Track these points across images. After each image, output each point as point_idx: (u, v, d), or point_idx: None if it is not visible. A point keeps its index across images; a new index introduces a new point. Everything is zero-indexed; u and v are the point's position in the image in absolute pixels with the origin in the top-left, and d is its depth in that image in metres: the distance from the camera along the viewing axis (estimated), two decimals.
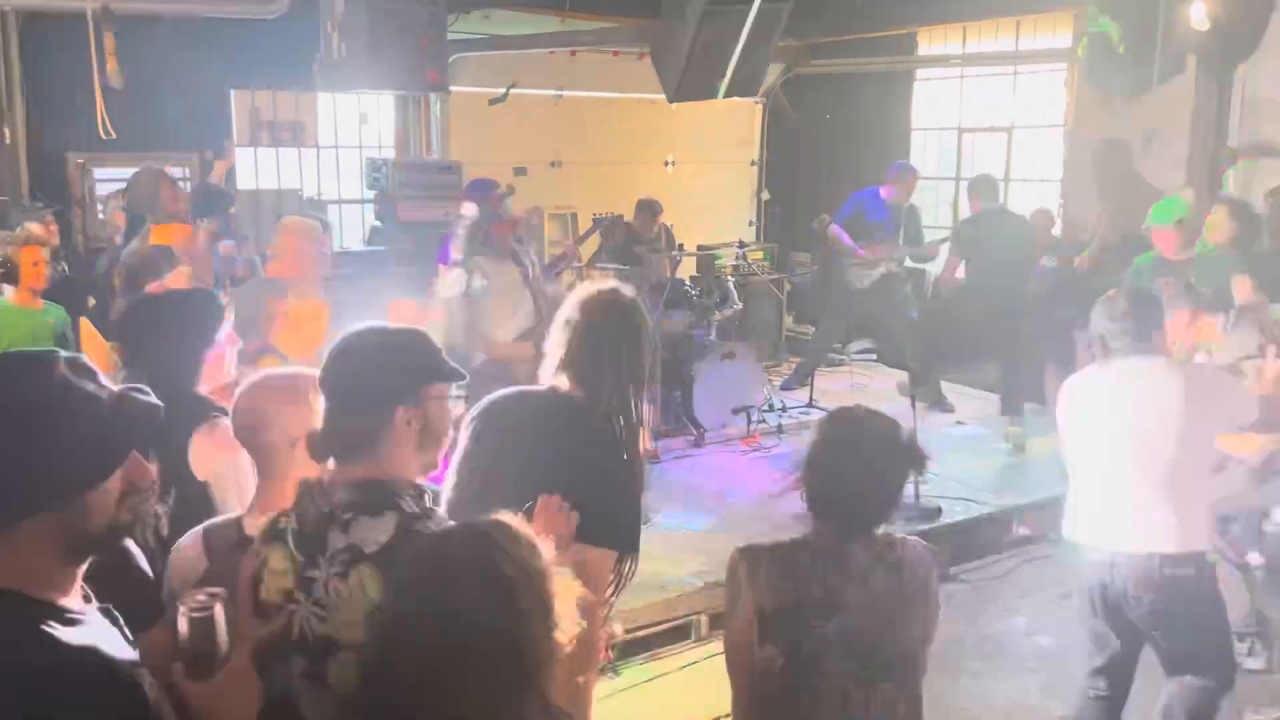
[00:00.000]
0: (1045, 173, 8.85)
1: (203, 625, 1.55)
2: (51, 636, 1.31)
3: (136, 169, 4.87)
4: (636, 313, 2.41)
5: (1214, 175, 7.30)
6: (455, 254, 5.20)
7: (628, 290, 2.44)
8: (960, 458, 6.51)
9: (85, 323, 4.51)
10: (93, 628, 1.39)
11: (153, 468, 1.48)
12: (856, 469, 2.17)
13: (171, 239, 4.49)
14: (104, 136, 5.14)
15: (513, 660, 1.43)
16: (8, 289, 4.73)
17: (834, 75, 10.19)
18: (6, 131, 5.85)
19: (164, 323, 2.64)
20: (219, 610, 1.56)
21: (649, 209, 7.91)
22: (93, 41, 5.01)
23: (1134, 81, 6.89)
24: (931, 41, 9.62)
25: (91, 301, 5.44)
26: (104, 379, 1.43)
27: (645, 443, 2.39)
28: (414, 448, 1.79)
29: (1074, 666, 3.57)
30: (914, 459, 2.25)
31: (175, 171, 6.21)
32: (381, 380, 1.78)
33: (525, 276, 5.29)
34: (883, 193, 7.66)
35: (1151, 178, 7.59)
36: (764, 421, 7.02)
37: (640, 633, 4.49)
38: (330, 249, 5.40)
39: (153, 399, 1.45)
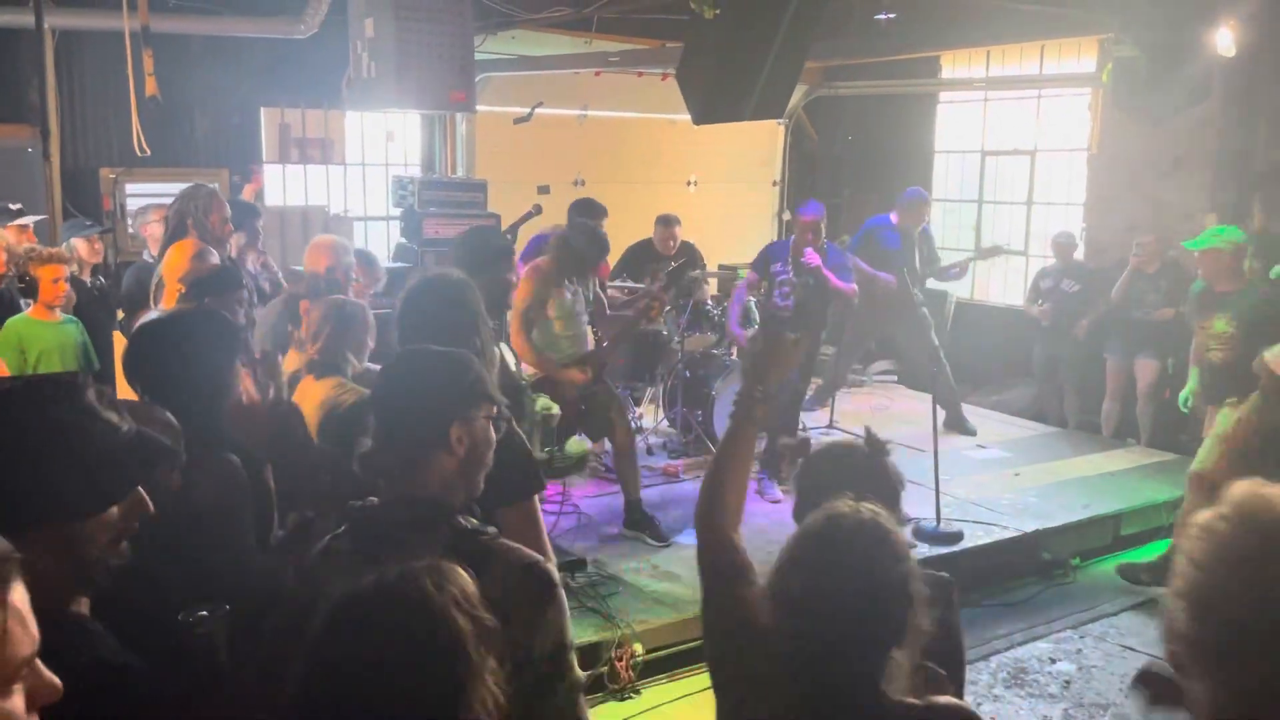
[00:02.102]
0: (1068, 197, 8.84)
1: None
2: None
3: (174, 185, 4.93)
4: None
5: (1240, 201, 7.28)
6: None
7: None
8: (981, 481, 6.49)
9: (118, 335, 4.58)
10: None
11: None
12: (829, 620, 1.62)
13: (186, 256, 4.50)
14: (139, 154, 5.22)
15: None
16: (27, 304, 4.82)
17: (857, 97, 10.22)
18: (54, 149, 5.95)
19: (181, 347, 2.48)
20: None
21: (665, 223, 7.94)
22: (130, 60, 5.09)
23: (1159, 106, 6.89)
24: (955, 65, 9.65)
25: (120, 315, 5.52)
26: (127, 414, 1.50)
27: None
28: (461, 467, 1.84)
29: (1095, 695, 3.54)
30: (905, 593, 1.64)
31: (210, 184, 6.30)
32: (437, 398, 1.85)
33: (588, 297, 5.45)
34: (893, 218, 7.68)
35: (1176, 203, 7.58)
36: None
37: (660, 653, 4.50)
38: (381, 277, 5.50)
39: (171, 442, 1.51)
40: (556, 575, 1.83)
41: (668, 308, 6.62)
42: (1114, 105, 7.72)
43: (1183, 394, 5.95)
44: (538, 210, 6.49)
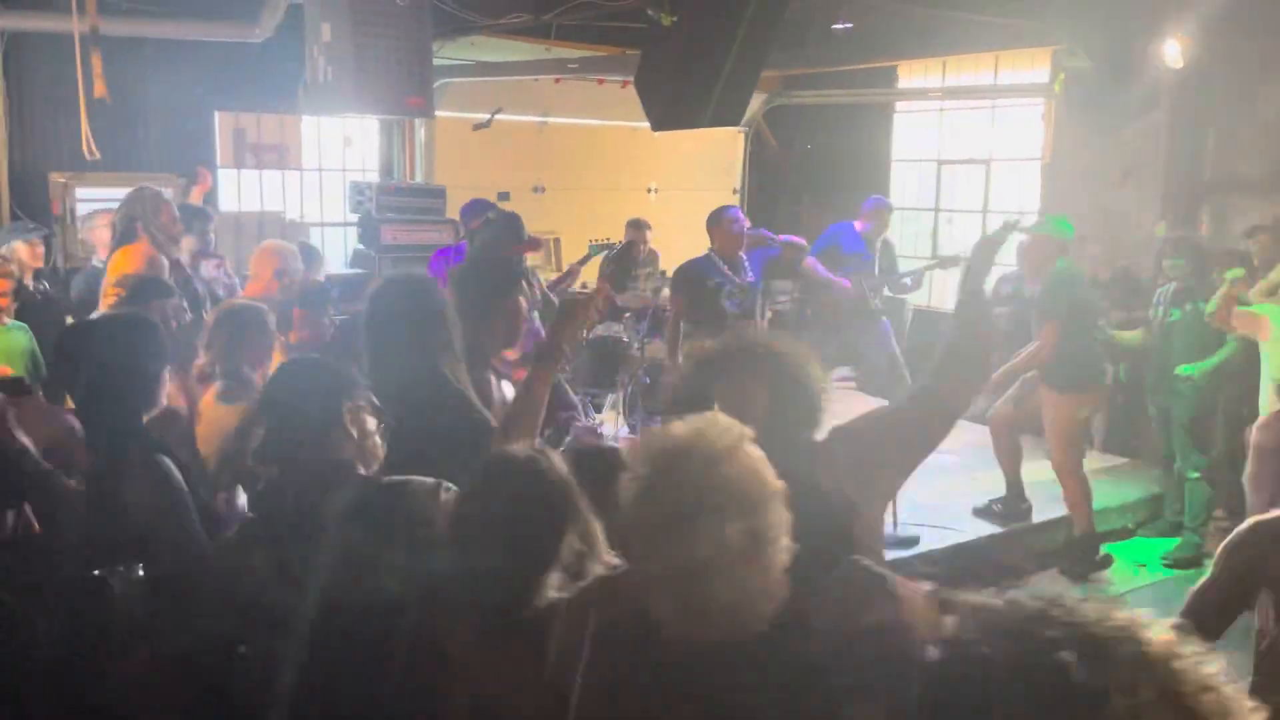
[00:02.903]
0: (1022, 205, 8.95)
1: None
2: None
3: (123, 190, 4.84)
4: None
5: (1189, 211, 7.42)
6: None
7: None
8: (939, 486, 6.54)
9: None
10: None
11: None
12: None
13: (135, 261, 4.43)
14: (88, 157, 5.13)
15: None
16: None
17: (815, 106, 10.30)
18: (0, 153, 5.83)
19: (106, 350, 2.55)
20: None
21: (636, 227, 7.95)
22: (79, 62, 5.00)
23: (1110, 117, 7.01)
24: (911, 75, 9.75)
25: (69, 320, 5.42)
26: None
27: None
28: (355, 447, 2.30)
29: None
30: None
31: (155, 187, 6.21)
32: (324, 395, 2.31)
33: (531, 297, 5.36)
34: (857, 226, 7.73)
35: (1127, 212, 7.71)
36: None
37: None
38: (321, 275, 5.41)
39: (38, 468, 1.69)
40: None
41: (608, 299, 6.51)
42: (1066, 115, 7.84)
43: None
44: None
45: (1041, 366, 5.70)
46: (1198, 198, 7.48)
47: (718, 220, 5.93)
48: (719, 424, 1.63)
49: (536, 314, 5.41)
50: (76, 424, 2.14)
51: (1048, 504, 6.35)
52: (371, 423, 2.37)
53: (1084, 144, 7.76)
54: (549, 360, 2.57)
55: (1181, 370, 5.73)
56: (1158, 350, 6.06)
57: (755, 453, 1.61)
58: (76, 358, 2.55)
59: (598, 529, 1.80)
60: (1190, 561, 5.63)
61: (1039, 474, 6.87)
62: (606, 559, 1.80)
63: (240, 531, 2.24)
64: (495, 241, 5.30)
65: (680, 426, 1.62)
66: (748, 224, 6.09)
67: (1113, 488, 6.63)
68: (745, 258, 5.89)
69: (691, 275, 5.90)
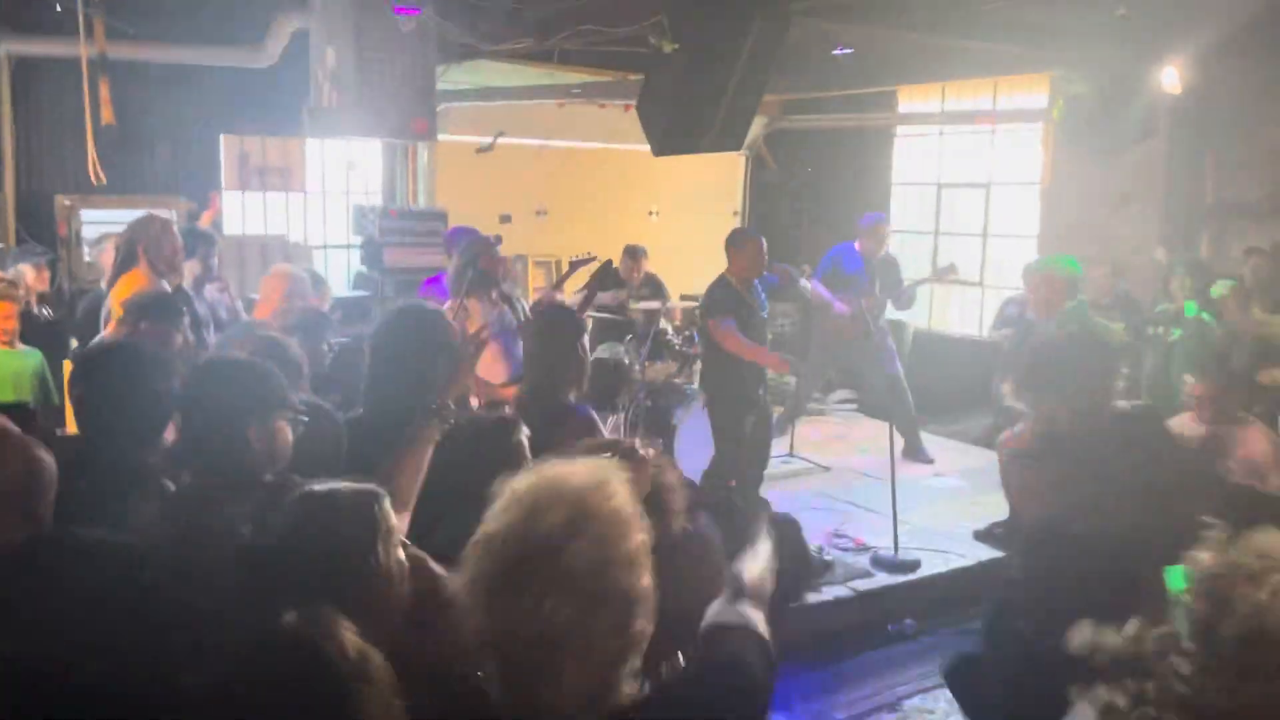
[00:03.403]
0: (1022, 229, 9.00)
1: None
2: None
3: (130, 212, 4.88)
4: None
5: (1189, 235, 7.46)
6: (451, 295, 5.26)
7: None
8: (939, 510, 6.54)
9: (69, 365, 4.51)
10: None
11: None
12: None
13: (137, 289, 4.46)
14: (95, 182, 5.17)
15: None
16: None
17: (816, 130, 10.37)
18: (7, 175, 5.87)
19: (118, 380, 2.47)
20: None
21: (632, 255, 8.01)
22: (86, 87, 5.06)
23: (1108, 142, 7.06)
24: (911, 99, 9.82)
25: (74, 343, 5.44)
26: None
27: None
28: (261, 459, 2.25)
29: None
30: None
31: (163, 213, 6.25)
32: (235, 404, 2.25)
33: (517, 320, 5.36)
34: (857, 246, 7.77)
35: (1126, 236, 7.74)
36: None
37: None
38: (327, 301, 5.43)
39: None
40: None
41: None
42: (1064, 140, 7.89)
43: None
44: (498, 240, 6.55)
45: None
46: (1197, 222, 7.53)
47: (741, 242, 5.86)
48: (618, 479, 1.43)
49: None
50: (49, 459, 2.04)
51: None
52: (288, 432, 2.31)
53: (1083, 168, 7.80)
54: (431, 418, 2.41)
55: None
56: (1159, 369, 6.08)
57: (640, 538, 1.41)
58: (84, 386, 2.49)
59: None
60: None
61: None
62: None
63: (144, 538, 2.06)
64: (460, 266, 5.25)
65: (578, 468, 1.43)
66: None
67: None
68: (756, 283, 5.92)
69: (732, 295, 5.80)
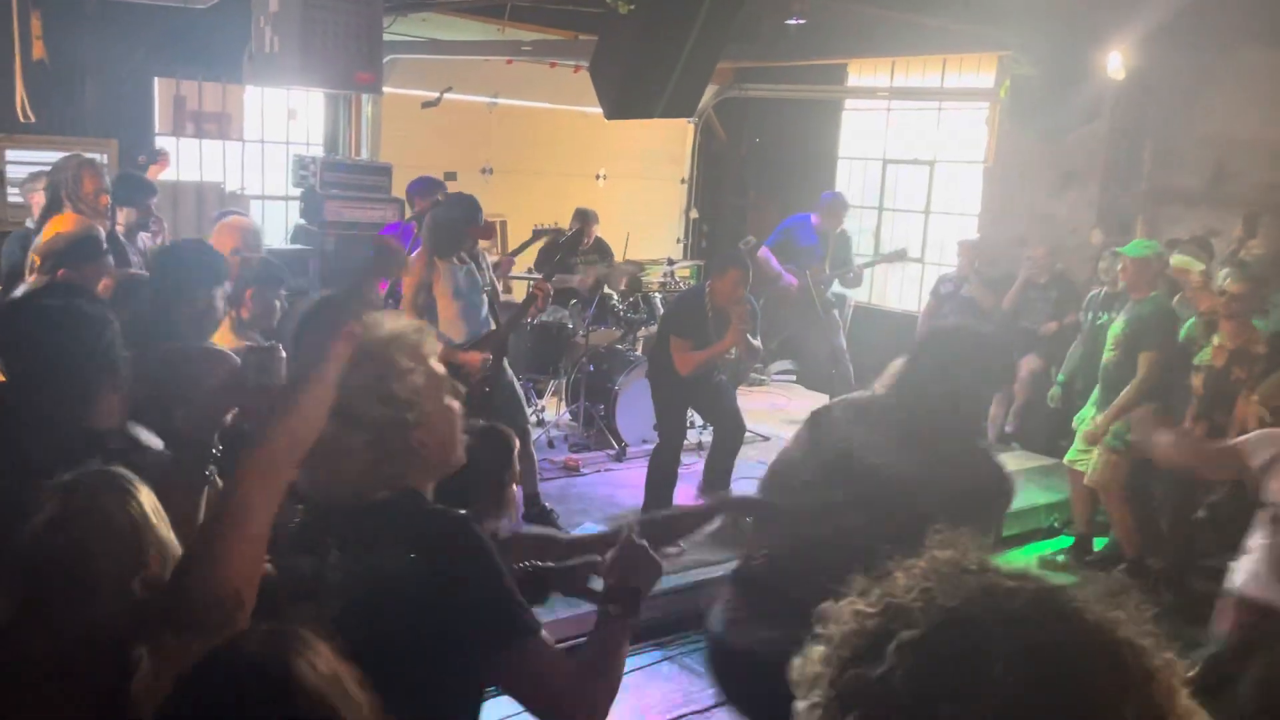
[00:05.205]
0: (964, 207, 9.11)
1: None
2: None
3: (59, 153, 4.70)
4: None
5: (1125, 219, 7.62)
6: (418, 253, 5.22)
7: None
8: None
9: None
10: None
11: None
12: None
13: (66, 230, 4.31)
14: (23, 120, 4.97)
15: None
16: None
17: (765, 100, 10.36)
18: None
19: (34, 336, 2.24)
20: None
21: (582, 218, 7.96)
22: (16, 22, 4.84)
23: (1052, 124, 7.16)
24: (861, 73, 9.85)
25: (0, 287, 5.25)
26: None
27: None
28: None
29: None
30: None
31: (93, 156, 6.04)
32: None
33: (482, 280, 5.33)
34: (814, 219, 7.81)
35: (1065, 218, 7.89)
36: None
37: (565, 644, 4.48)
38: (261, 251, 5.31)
39: None
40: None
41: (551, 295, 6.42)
42: (1010, 120, 7.99)
43: (1053, 391, 6.35)
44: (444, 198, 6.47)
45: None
46: (1133, 206, 7.69)
47: (722, 268, 5.75)
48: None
49: (486, 301, 5.38)
50: None
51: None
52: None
53: (1026, 149, 7.91)
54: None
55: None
56: (1087, 353, 6.22)
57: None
58: (4, 342, 2.26)
59: None
60: (1113, 560, 5.79)
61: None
62: None
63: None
64: (452, 224, 5.24)
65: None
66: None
67: (1039, 487, 6.81)
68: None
69: (698, 314, 5.75)
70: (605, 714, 1.79)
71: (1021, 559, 4.85)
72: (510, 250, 7.61)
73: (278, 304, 3.82)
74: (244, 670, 1.23)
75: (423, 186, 6.81)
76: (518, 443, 2.76)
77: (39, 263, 3.80)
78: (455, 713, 1.80)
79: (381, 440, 1.71)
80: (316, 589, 1.67)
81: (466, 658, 1.70)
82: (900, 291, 9.77)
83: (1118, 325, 5.70)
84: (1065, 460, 6.08)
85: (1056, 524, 6.56)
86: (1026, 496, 6.64)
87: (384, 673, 1.36)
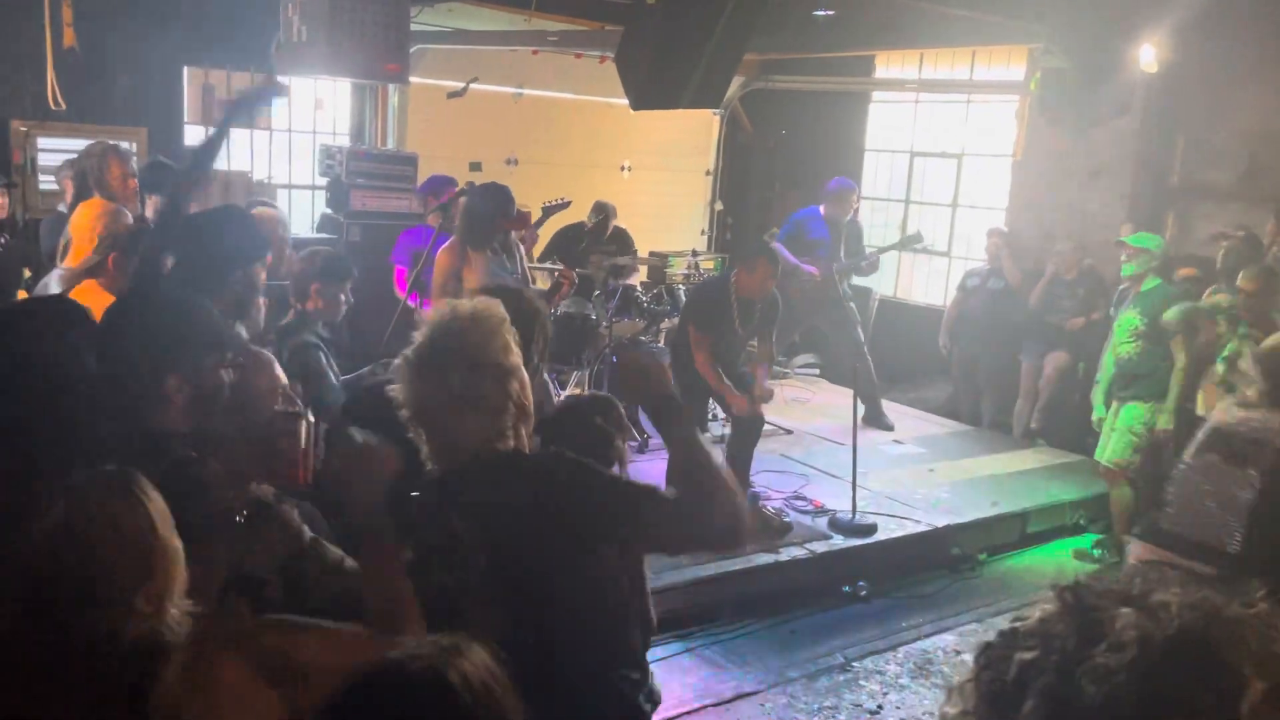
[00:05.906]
0: (992, 201, 9.03)
1: None
2: None
3: (89, 141, 4.73)
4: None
5: (1155, 214, 7.53)
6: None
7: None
8: (897, 476, 6.62)
9: (23, 295, 4.41)
10: None
11: None
12: None
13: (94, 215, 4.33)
14: (54, 107, 5.02)
15: None
16: None
17: (792, 91, 10.30)
18: None
19: (13, 348, 2.18)
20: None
21: (601, 210, 7.95)
22: (48, 10, 4.88)
23: (1083, 117, 7.07)
24: (889, 65, 9.77)
25: (27, 273, 5.31)
26: None
27: None
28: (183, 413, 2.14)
29: None
30: None
31: (121, 144, 6.08)
32: (154, 351, 2.13)
33: (515, 271, 5.33)
34: (822, 210, 7.76)
35: (1094, 212, 7.80)
36: (707, 431, 7.06)
37: None
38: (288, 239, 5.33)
39: None
40: (268, 497, 2.06)
41: (576, 283, 6.41)
42: (1039, 114, 7.91)
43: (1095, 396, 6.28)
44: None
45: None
46: (1164, 201, 7.59)
47: (752, 264, 5.78)
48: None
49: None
50: None
51: (1001, 496, 6.45)
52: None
53: (1055, 143, 7.82)
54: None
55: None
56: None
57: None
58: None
59: None
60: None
61: (990, 468, 6.98)
62: None
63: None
64: (484, 215, 5.10)
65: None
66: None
67: (1065, 484, 6.75)
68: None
69: (723, 304, 5.84)
70: (744, 506, 2.08)
71: (1049, 555, 4.85)
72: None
73: (343, 298, 3.83)
74: (405, 685, 1.23)
75: (433, 185, 6.81)
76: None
77: (76, 242, 3.83)
78: (627, 609, 2.16)
79: (499, 408, 2.03)
80: (454, 550, 1.95)
81: (616, 540, 2.05)
82: (926, 286, 9.70)
83: (1132, 318, 5.80)
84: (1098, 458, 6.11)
85: (1081, 521, 6.51)
86: (1052, 493, 6.60)
87: (550, 597, 1.89)
